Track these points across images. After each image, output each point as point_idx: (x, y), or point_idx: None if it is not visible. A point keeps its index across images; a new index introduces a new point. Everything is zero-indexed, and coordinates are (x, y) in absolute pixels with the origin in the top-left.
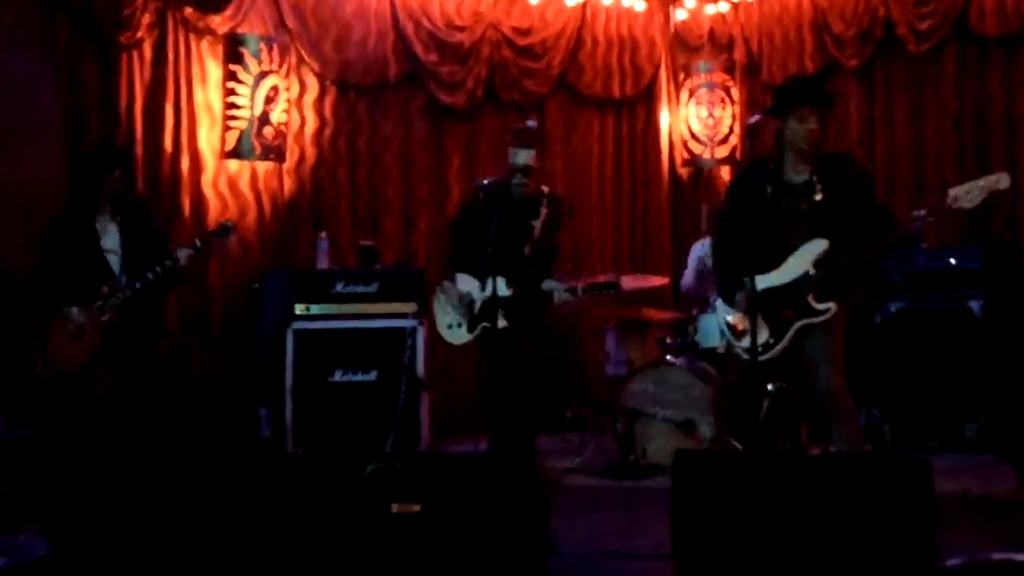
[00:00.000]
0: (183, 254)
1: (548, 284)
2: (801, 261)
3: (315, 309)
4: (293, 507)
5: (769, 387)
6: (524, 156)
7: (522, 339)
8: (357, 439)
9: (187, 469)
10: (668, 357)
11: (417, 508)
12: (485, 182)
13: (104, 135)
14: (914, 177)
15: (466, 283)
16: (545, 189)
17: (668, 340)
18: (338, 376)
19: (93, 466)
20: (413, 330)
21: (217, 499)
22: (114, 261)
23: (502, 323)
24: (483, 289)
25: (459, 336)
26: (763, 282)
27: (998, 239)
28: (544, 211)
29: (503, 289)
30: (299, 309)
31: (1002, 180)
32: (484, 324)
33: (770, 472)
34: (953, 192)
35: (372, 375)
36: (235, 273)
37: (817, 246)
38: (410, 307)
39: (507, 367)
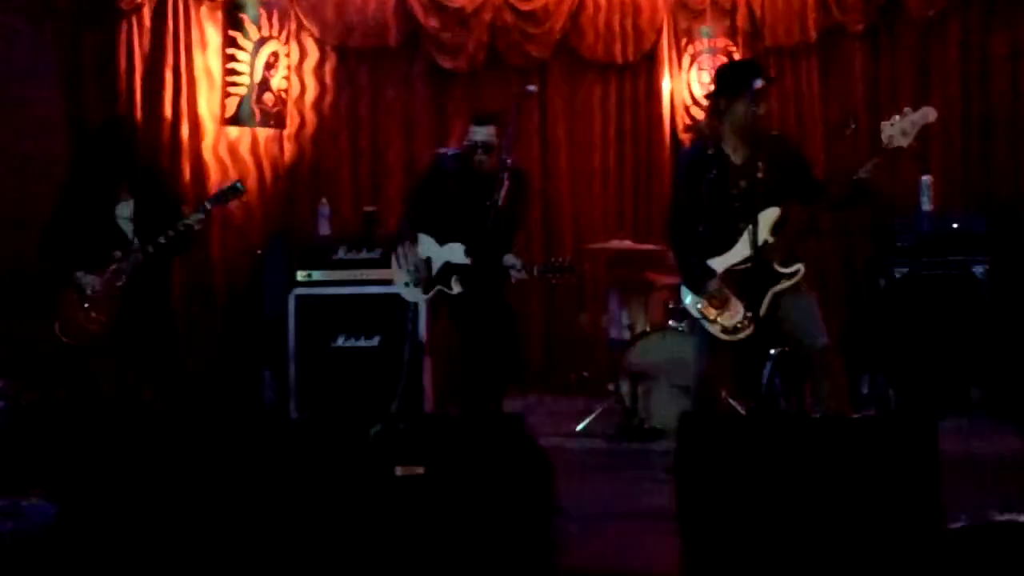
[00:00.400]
0: (193, 219)
1: (508, 259)
2: (759, 232)
3: (317, 275)
4: (297, 470)
5: (772, 352)
6: (483, 133)
7: (478, 309)
8: (360, 403)
9: (191, 433)
10: (671, 322)
11: (421, 470)
12: (447, 152)
13: (111, 112)
14: (919, 140)
15: (426, 245)
16: (508, 162)
17: (671, 304)
18: (340, 341)
19: (100, 430)
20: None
21: (221, 463)
22: (127, 228)
23: (456, 288)
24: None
25: (414, 295)
26: (723, 262)
27: (1002, 204)
28: (506, 184)
29: (460, 256)
30: (301, 275)
31: (928, 113)
32: (439, 287)
33: (774, 434)
34: (884, 131)
35: (374, 340)
36: (237, 240)
37: (770, 214)
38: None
39: (464, 335)
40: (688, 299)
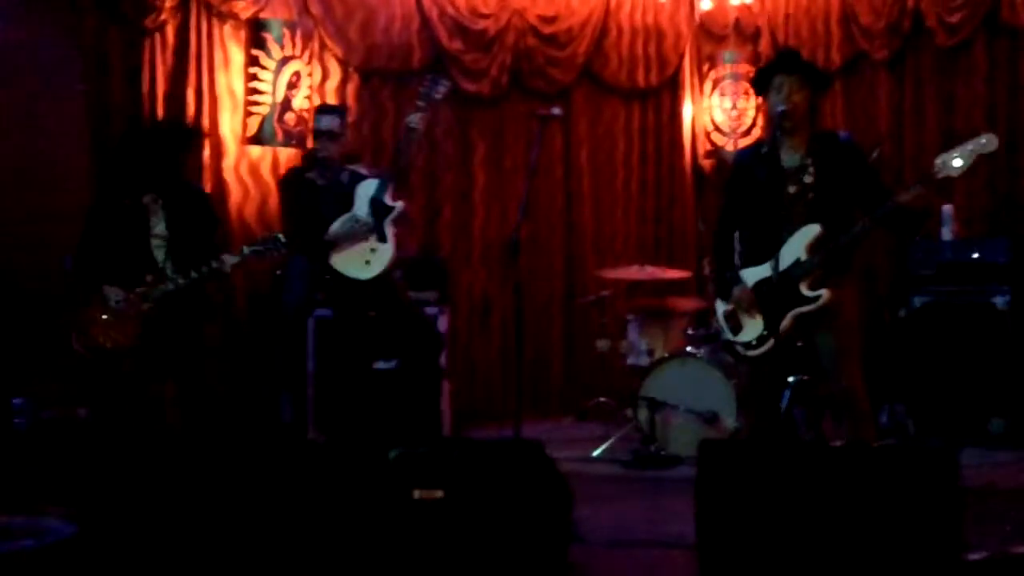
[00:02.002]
0: (229, 261)
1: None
2: (794, 248)
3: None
4: (315, 492)
5: (790, 379)
6: (327, 121)
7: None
8: (379, 425)
9: (210, 454)
10: (690, 348)
11: (440, 494)
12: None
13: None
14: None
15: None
16: (362, 171)
17: (690, 331)
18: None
19: (119, 448)
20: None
21: (240, 485)
22: (159, 247)
23: None
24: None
25: (383, 256)
26: (758, 274)
27: None
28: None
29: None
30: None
31: (989, 142)
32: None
33: (795, 463)
34: (939, 159)
35: (393, 363)
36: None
37: (810, 232)
38: (433, 295)
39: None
40: (718, 307)
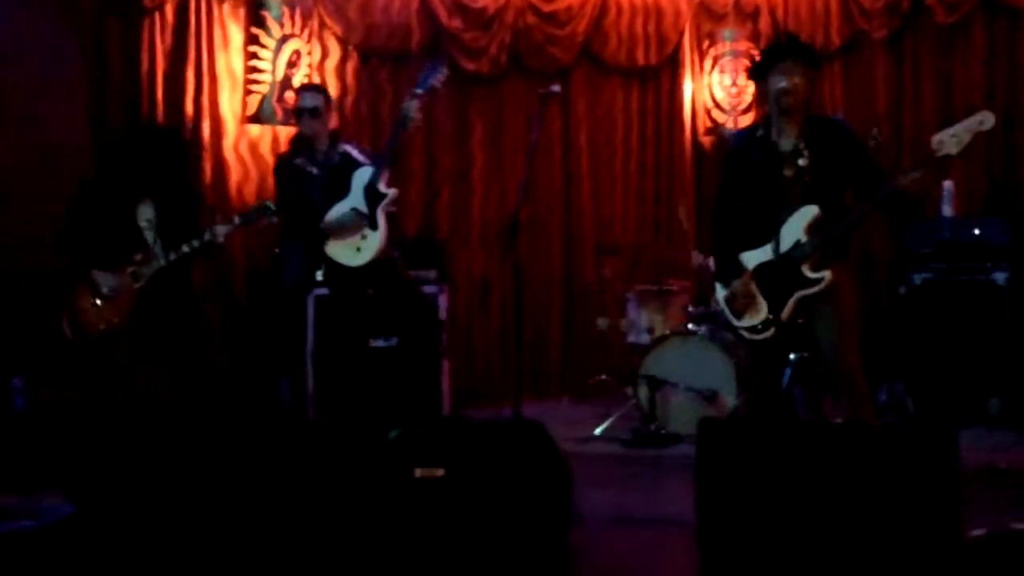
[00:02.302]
0: (221, 230)
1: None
2: (793, 230)
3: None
4: (316, 471)
5: (791, 356)
6: (309, 99)
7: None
8: (379, 404)
9: (209, 434)
10: (690, 326)
11: (440, 473)
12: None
13: (135, 113)
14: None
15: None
16: (354, 152)
17: (690, 309)
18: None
19: (117, 429)
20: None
21: (239, 465)
22: (148, 230)
23: None
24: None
25: (373, 243)
26: (757, 257)
27: None
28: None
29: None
30: (319, 275)
31: (986, 120)
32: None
33: (794, 441)
34: (936, 138)
35: (393, 341)
36: (256, 239)
37: (807, 213)
38: (431, 274)
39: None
40: (719, 291)
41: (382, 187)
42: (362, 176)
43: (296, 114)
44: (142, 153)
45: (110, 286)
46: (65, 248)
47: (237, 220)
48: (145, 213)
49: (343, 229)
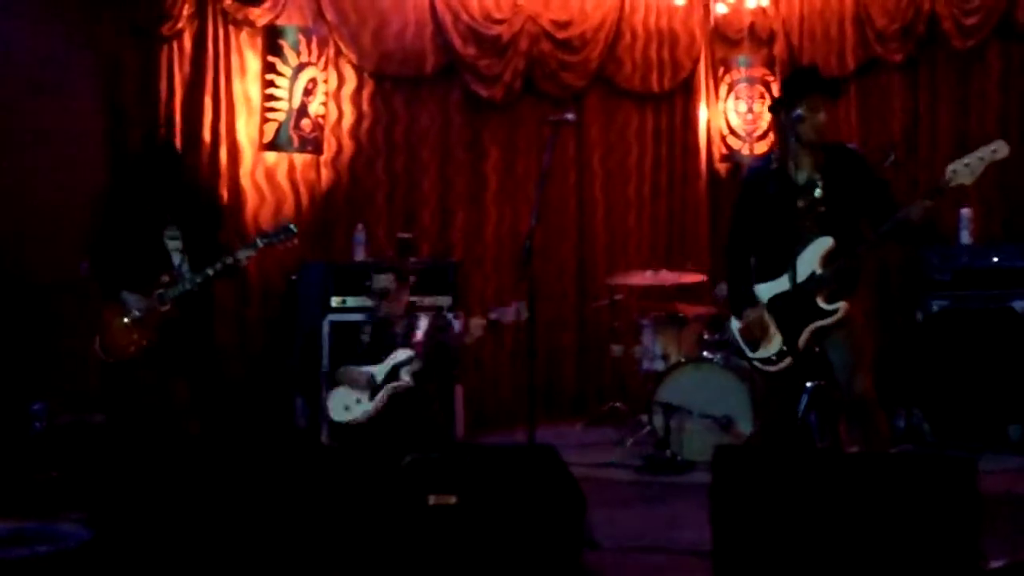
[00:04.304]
0: (243, 254)
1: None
2: (808, 261)
3: (351, 301)
4: (330, 497)
5: (807, 384)
6: (381, 280)
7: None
8: (392, 430)
9: (225, 458)
10: (705, 353)
11: (454, 500)
12: None
13: (152, 137)
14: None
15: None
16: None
17: (705, 335)
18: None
19: (135, 453)
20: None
21: (255, 489)
22: (175, 251)
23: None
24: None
25: (360, 410)
26: (771, 289)
27: None
28: None
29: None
30: (335, 301)
31: (1000, 150)
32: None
33: (810, 469)
34: (951, 168)
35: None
36: (273, 264)
37: (823, 244)
38: (446, 300)
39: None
40: (733, 324)
41: (405, 375)
42: (399, 355)
43: (369, 294)
44: (161, 170)
45: (139, 307)
46: (97, 268)
47: (259, 243)
48: (172, 233)
49: (351, 382)
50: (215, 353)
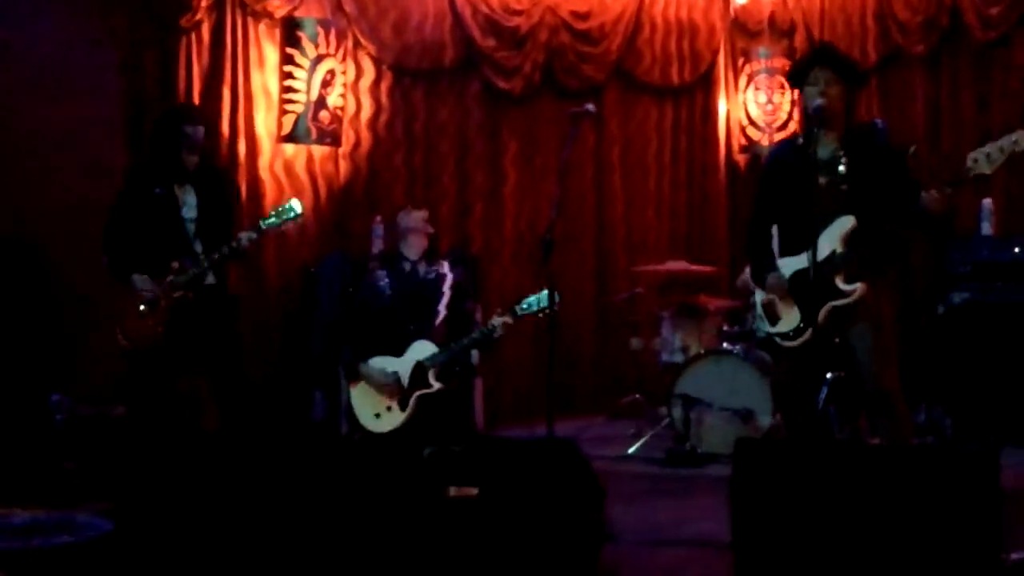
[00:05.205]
0: (245, 237)
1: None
2: (830, 240)
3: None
4: (350, 490)
5: (828, 376)
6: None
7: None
8: (411, 423)
9: (245, 451)
10: (725, 345)
11: (474, 492)
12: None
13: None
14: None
15: (383, 361)
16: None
17: (725, 328)
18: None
19: (155, 444)
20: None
21: (275, 482)
22: (190, 229)
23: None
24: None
25: (393, 421)
26: (793, 265)
27: None
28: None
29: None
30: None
31: (1021, 140)
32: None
33: (832, 462)
34: (972, 156)
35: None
36: (291, 257)
37: (844, 223)
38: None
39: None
40: (757, 295)
41: (432, 377)
42: (421, 349)
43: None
44: (181, 130)
45: (149, 291)
46: (111, 250)
47: (262, 224)
48: (188, 209)
49: (374, 384)
50: (235, 346)
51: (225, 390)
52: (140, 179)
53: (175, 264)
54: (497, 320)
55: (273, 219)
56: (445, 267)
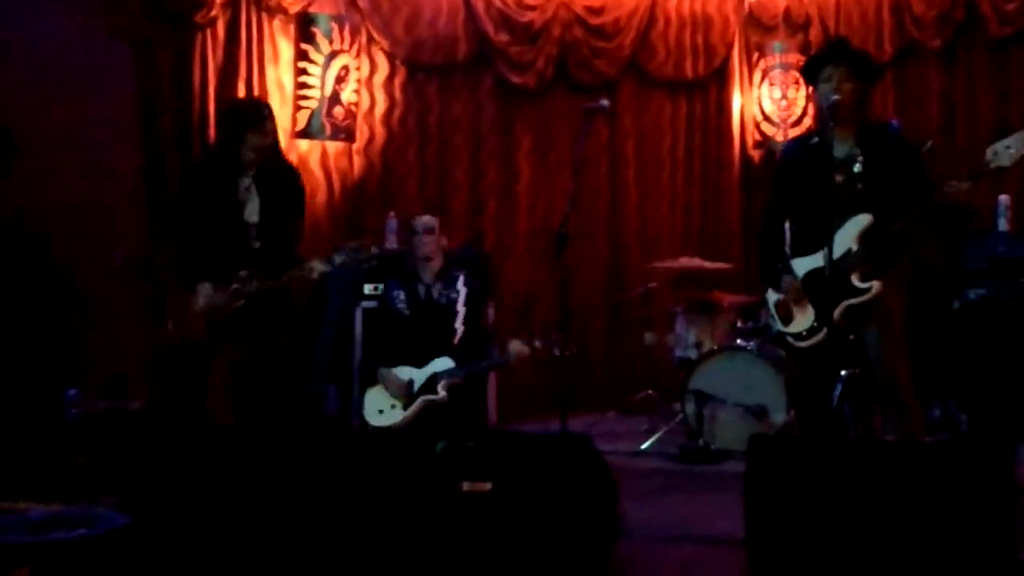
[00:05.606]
0: (318, 269)
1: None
2: (845, 238)
3: (384, 289)
4: (363, 485)
5: (843, 373)
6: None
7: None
8: (423, 418)
9: (259, 445)
10: (739, 341)
11: (487, 487)
12: None
13: (184, 123)
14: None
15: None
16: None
17: (739, 324)
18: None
19: (171, 438)
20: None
21: (289, 476)
22: (252, 233)
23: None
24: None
25: (392, 417)
26: (807, 264)
27: None
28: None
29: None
30: (368, 289)
31: None
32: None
33: (846, 458)
34: (991, 149)
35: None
36: (304, 252)
37: (861, 221)
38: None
39: None
40: (769, 296)
41: (441, 388)
42: (441, 363)
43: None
44: (245, 129)
45: (213, 300)
46: (184, 248)
47: (336, 260)
48: (251, 211)
49: (390, 388)
50: (278, 359)
51: (258, 393)
52: (200, 178)
53: (243, 273)
54: (514, 349)
55: (346, 259)
56: (460, 282)
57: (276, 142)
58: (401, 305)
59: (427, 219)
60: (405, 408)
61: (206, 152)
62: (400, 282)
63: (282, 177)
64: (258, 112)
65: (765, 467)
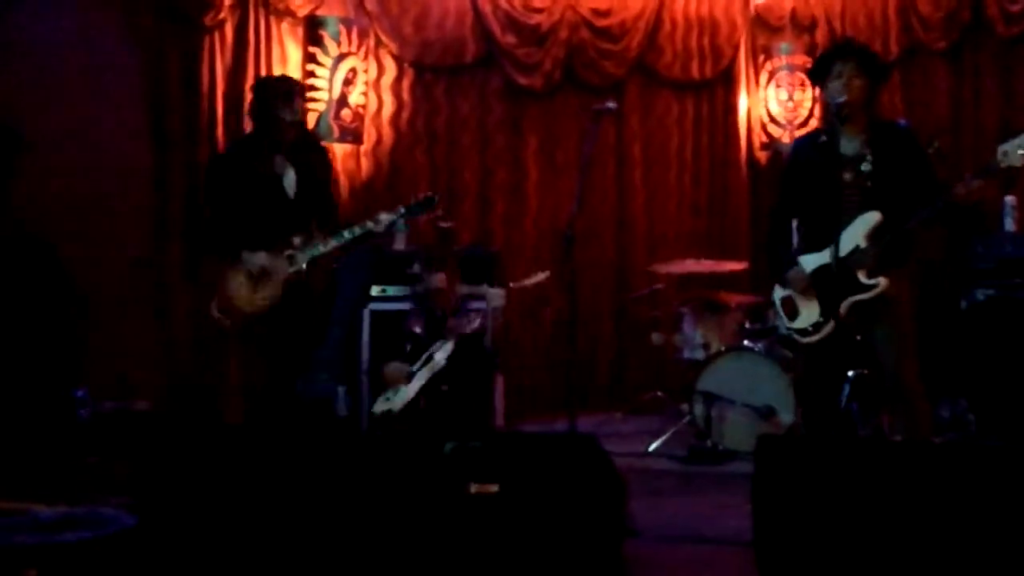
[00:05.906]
0: (385, 220)
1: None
2: (853, 235)
3: (391, 290)
4: (371, 485)
5: (851, 373)
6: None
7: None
8: (431, 419)
9: (268, 446)
10: (746, 342)
11: (495, 488)
12: None
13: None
14: None
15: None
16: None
17: (747, 324)
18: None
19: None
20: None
21: (297, 477)
22: (292, 206)
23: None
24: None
25: (399, 398)
26: (815, 261)
27: None
28: None
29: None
30: (376, 290)
31: None
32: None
33: (854, 459)
34: (1002, 148)
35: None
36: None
37: (870, 219)
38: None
39: None
40: (776, 292)
41: (440, 355)
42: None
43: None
44: (278, 103)
45: (264, 268)
46: (217, 227)
47: (402, 209)
48: (288, 184)
49: (393, 381)
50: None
51: (288, 375)
52: (239, 156)
53: (298, 239)
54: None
55: (412, 209)
56: (473, 310)
57: (305, 121)
58: (419, 331)
59: (434, 281)
60: (407, 383)
61: (234, 138)
62: (418, 312)
63: (314, 152)
64: (290, 88)
65: (773, 468)
